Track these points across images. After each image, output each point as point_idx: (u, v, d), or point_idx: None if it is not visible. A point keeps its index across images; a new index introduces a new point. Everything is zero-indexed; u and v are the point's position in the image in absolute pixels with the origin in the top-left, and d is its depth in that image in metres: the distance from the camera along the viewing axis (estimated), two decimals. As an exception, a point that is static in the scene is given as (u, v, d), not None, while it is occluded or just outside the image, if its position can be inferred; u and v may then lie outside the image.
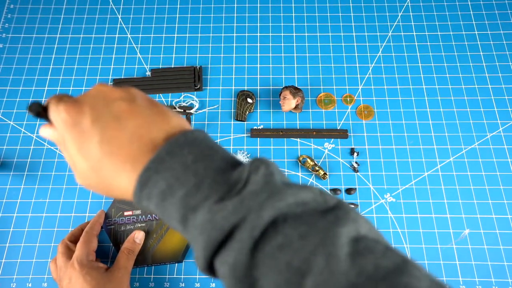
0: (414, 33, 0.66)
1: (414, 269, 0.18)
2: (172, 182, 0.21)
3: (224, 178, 0.22)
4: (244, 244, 0.19)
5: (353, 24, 0.67)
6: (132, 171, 0.23)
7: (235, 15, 0.69)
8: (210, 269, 0.22)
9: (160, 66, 0.64)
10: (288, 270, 0.18)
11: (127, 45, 0.66)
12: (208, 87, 0.63)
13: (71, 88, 0.63)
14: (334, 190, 0.55)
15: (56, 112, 0.25)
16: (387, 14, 0.68)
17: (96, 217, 0.51)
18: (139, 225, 0.51)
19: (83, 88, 0.63)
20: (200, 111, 0.61)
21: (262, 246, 0.19)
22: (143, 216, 0.51)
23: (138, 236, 0.49)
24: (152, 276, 0.51)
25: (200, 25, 0.68)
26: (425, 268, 0.21)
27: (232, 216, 0.20)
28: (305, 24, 0.68)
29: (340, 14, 0.68)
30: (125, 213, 0.52)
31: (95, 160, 0.23)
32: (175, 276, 0.51)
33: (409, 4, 0.69)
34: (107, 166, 0.23)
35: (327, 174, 0.56)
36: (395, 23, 0.67)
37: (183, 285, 0.50)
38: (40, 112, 0.26)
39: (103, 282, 0.43)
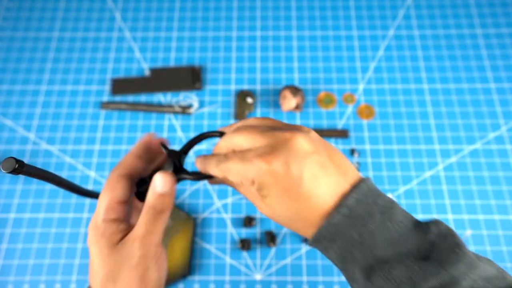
0: (416, 32, 0.66)
1: None
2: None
3: (417, 243, 0.23)
4: None
5: (354, 23, 0.67)
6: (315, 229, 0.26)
7: (234, 14, 0.68)
8: None
9: (159, 66, 0.64)
10: None
11: (125, 44, 0.66)
12: (207, 87, 0.62)
13: (69, 87, 0.62)
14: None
15: (255, 170, 0.25)
16: (389, 13, 0.68)
17: (140, 143, 0.31)
18: None
19: (82, 87, 0.62)
20: (200, 110, 0.60)
21: None
22: None
23: (161, 182, 0.27)
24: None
25: (199, 24, 0.67)
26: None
27: (436, 280, 0.21)
28: (306, 23, 0.67)
29: (341, 13, 0.68)
30: None
31: (292, 212, 0.25)
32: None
33: (411, 3, 0.68)
34: (297, 223, 0.26)
35: (327, 175, 0.55)
36: (397, 22, 0.67)
37: (183, 286, 0.50)
38: (16, 168, 0.24)
39: (112, 263, 0.26)
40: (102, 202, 0.28)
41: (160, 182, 0.27)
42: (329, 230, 0.24)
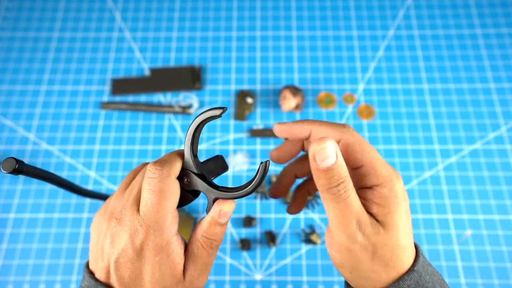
0: (416, 32, 0.66)
1: None
2: None
3: None
4: None
5: (354, 23, 0.67)
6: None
7: (234, 14, 0.68)
8: None
9: (159, 66, 0.64)
10: None
11: (125, 44, 0.66)
12: (207, 87, 0.62)
13: (69, 87, 0.62)
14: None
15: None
16: (389, 13, 0.68)
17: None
18: None
19: (82, 87, 0.62)
20: (200, 110, 0.60)
21: None
22: None
23: (224, 212, 0.24)
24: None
25: (199, 24, 0.68)
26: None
27: None
28: (306, 23, 0.67)
29: (341, 13, 0.68)
30: None
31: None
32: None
33: (411, 3, 0.68)
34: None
35: (327, 175, 0.55)
36: (397, 22, 0.67)
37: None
38: (16, 168, 0.23)
39: None
40: (170, 206, 0.23)
41: (225, 212, 0.24)
42: None
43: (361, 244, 0.22)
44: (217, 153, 0.57)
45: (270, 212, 0.53)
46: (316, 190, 0.31)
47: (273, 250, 0.51)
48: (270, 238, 0.51)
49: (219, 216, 0.24)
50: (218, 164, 0.27)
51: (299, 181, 0.57)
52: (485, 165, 0.56)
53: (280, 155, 0.29)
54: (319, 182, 0.22)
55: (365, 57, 0.64)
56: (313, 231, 0.52)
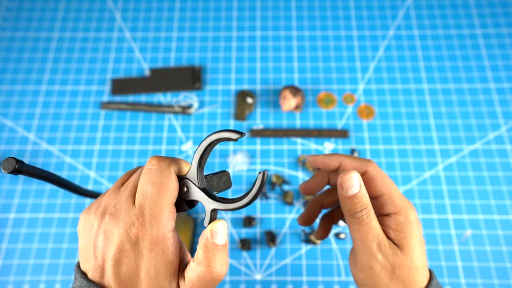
0: (416, 32, 0.66)
1: None
2: None
3: None
4: None
5: (354, 23, 0.67)
6: None
7: (234, 14, 0.68)
8: None
9: (159, 66, 0.64)
10: None
11: (126, 44, 0.66)
12: (207, 87, 0.62)
13: (69, 87, 0.62)
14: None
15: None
16: (389, 13, 0.68)
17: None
18: None
19: (82, 87, 0.62)
20: (200, 110, 0.60)
21: None
22: None
23: (214, 229, 0.23)
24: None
25: (199, 24, 0.68)
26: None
27: None
28: (306, 23, 0.67)
29: (341, 13, 0.68)
30: None
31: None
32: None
33: (411, 3, 0.68)
34: None
35: (327, 175, 0.55)
36: (397, 22, 0.67)
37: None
38: (16, 168, 0.23)
39: None
40: (167, 200, 0.22)
41: (219, 233, 0.23)
42: None
43: (381, 263, 0.25)
44: (217, 154, 0.57)
45: (270, 212, 0.53)
46: (339, 218, 0.35)
47: (273, 250, 0.51)
48: (270, 238, 0.51)
49: (211, 235, 0.22)
50: (222, 180, 0.26)
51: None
52: (485, 165, 0.56)
53: (308, 188, 0.33)
54: (346, 208, 0.26)
55: (365, 57, 0.64)
56: (313, 231, 0.52)
